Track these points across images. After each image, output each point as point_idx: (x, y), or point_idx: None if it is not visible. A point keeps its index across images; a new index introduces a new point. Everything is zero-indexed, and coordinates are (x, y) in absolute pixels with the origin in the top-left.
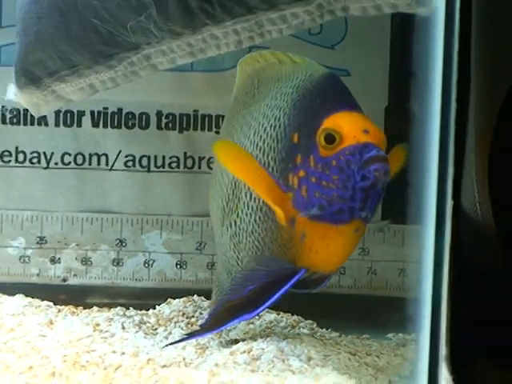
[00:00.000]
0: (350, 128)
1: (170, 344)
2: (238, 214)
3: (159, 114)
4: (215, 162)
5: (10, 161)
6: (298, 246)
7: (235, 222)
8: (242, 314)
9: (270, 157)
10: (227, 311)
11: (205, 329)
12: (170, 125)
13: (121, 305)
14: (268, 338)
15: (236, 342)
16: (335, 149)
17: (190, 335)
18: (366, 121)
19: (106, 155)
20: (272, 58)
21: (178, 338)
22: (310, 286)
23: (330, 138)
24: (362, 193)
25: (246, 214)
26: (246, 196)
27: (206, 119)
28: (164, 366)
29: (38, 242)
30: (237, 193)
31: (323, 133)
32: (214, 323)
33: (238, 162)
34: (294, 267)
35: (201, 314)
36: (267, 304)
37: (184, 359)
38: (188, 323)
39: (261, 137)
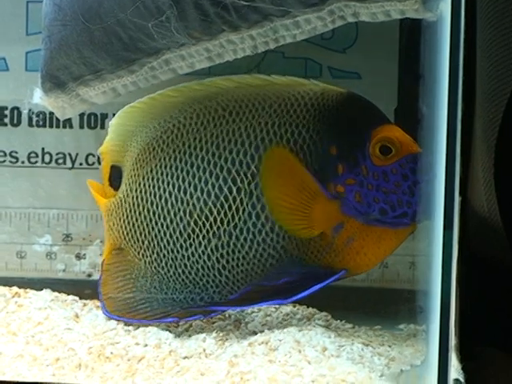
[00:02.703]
0: (403, 139)
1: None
2: (235, 224)
3: None
4: (157, 177)
5: (36, 162)
6: (340, 249)
7: (229, 233)
8: (274, 298)
9: None
10: (258, 293)
11: (233, 302)
12: None
13: None
14: (285, 330)
15: (254, 333)
16: (392, 159)
17: (219, 305)
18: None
19: None
20: (228, 82)
21: (198, 330)
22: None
23: (386, 150)
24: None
25: (254, 225)
26: (252, 207)
27: None
28: (185, 357)
29: (63, 239)
30: (231, 205)
31: (378, 144)
32: (243, 300)
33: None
34: (333, 269)
35: None
36: (301, 295)
37: (204, 350)
38: None
39: None
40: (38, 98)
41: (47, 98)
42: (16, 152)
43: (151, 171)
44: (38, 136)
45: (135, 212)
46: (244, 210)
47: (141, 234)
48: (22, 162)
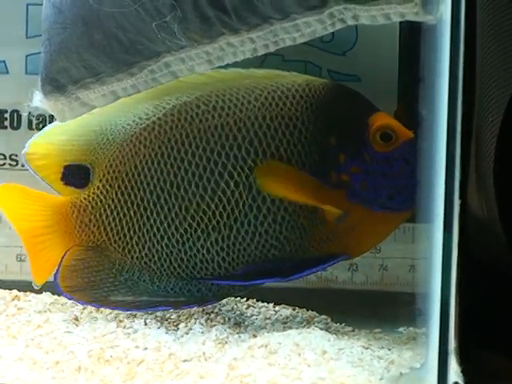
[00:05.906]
0: (399, 125)
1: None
2: (235, 217)
3: None
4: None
5: None
6: (343, 236)
7: (230, 226)
8: (275, 276)
9: (295, 161)
10: (261, 273)
11: (237, 277)
12: None
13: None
14: (284, 333)
15: (254, 336)
16: (393, 145)
17: (224, 279)
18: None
19: None
20: (203, 78)
21: (198, 333)
22: None
23: (387, 136)
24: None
25: (255, 217)
26: (252, 200)
27: None
28: (185, 361)
29: None
30: (230, 199)
31: (379, 132)
32: (246, 277)
33: (282, 182)
34: (335, 255)
35: (220, 310)
36: (300, 275)
37: (204, 353)
38: (208, 319)
39: (269, 145)
40: (38, 101)
41: (47, 101)
42: (16, 155)
43: (135, 167)
44: None
45: (121, 208)
46: (244, 203)
47: (129, 230)
48: (22, 165)
